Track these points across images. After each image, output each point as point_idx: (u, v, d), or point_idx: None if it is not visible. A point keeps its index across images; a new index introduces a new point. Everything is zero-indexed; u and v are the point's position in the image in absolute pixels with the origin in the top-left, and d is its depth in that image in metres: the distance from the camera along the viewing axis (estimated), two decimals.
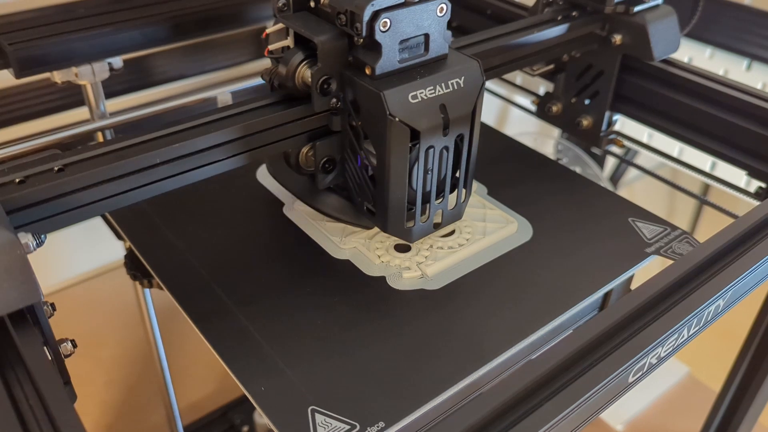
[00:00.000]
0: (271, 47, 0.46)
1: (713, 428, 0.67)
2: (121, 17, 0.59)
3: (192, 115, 0.43)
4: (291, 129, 0.45)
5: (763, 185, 0.58)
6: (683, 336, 0.38)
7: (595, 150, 1.07)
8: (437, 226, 0.49)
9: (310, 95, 0.44)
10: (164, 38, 0.61)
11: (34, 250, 0.36)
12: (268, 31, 0.46)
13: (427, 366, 0.42)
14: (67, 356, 0.39)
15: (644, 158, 1.22)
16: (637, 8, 0.60)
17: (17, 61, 0.53)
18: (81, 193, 0.38)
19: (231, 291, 0.47)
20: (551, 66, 0.68)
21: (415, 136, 0.43)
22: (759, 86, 0.97)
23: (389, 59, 0.42)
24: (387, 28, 0.41)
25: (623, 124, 0.69)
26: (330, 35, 0.42)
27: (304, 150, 0.47)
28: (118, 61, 0.59)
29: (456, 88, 0.44)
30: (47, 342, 0.36)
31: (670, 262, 0.42)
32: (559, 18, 0.60)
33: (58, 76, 0.56)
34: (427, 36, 0.43)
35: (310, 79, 0.43)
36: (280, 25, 0.45)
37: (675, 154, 0.67)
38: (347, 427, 0.38)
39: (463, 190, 0.49)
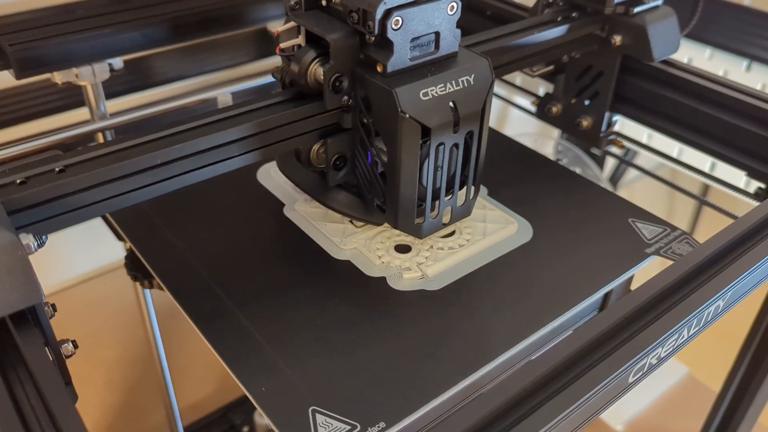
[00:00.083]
0: (282, 45, 0.46)
1: (713, 428, 0.67)
2: (122, 18, 0.59)
3: (201, 114, 0.43)
4: (303, 126, 0.45)
5: (762, 186, 0.58)
6: (683, 336, 0.38)
7: (595, 150, 1.07)
8: (446, 223, 0.50)
9: (321, 93, 0.44)
10: (164, 39, 0.61)
11: (36, 250, 0.36)
12: (279, 29, 0.46)
13: (428, 366, 0.42)
14: (68, 357, 0.39)
15: (644, 159, 1.22)
16: (636, 9, 0.60)
17: (18, 61, 0.53)
18: (82, 194, 0.38)
19: (231, 291, 0.47)
20: (551, 67, 0.68)
21: (425, 133, 0.43)
22: (759, 87, 0.97)
23: (401, 57, 0.43)
24: (399, 26, 0.42)
25: (623, 124, 0.69)
26: (342, 33, 0.43)
27: (315, 147, 0.47)
28: (118, 62, 0.59)
29: (466, 85, 0.44)
30: (48, 342, 0.37)
31: (670, 262, 0.42)
32: (559, 19, 0.60)
33: (58, 77, 0.57)
34: (437, 34, 0.44)
35: (322, 77, 0.44)
36: (291, 24, 0.45)
37: (674, 155, 0.68)
38: (348, 427, 0.38)
39: (472, 188, 0.49)
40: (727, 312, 0.42)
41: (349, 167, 0.49)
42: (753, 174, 0.58)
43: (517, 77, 0.86)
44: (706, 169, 0.66)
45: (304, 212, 0.54)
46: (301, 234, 0.53)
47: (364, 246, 0.51)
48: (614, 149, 0.70)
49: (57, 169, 0.38)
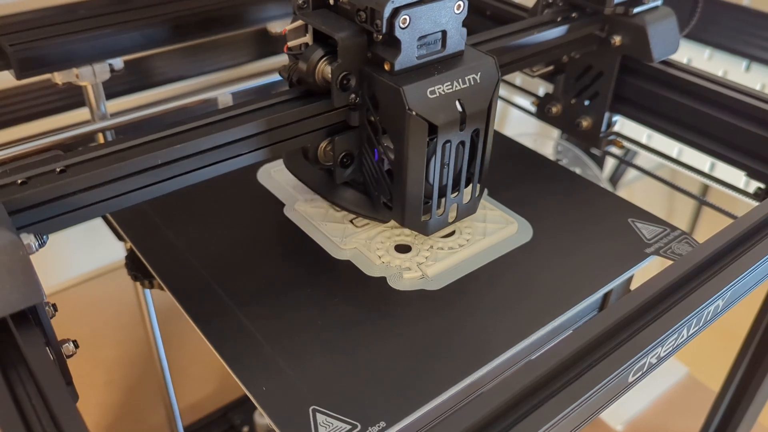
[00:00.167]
0: (290, 44, 0.46)
1: (712, 428, 0.67)
2: (122, 18, 0.59)
3: (207, 113, 0.43)
4: (311, 124, 0.46)
5: (762, 186, 0.58)
6: (683, 336, 0.38)
7: (595, 151, 1.07)
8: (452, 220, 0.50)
9: (329, 91, 0.45)
10: (165, 39, 0.61)
11: (36, 250, 0.36)
12: (287, 28, 0.46)
13: (428, 366, 0.42)
14: (68, 357, 0.39)
15: (643, 159, 1.22)
16: (636, 9, 0.60)
17: (18, 62, 0.53)
18: (83, 194, 0.38)
19: (232, 291, 0.47)
20: (551, 67, 0.68)
21: (432, 130, 0.44)
22: (758, 87, 0.97)
23: (408, 55, 0.43)
24: (406, 24, 0.42)
25: (622, 124, 0.69)
26: (350, 32, 0.43)
27: (323, 145, 0.48)
28: (118, 62, 0.59)
29: (473, 83, 0.45)
30: (49, 342, 0.37)
31: (670, 262, 0.42)
32: (559, 19, 0.60)
33: (58, 77, 0.57)
34: (444, 32, 0.44)
35: (330, 75, 0.44)
36: (299, 22, 0.46)
37: (674, 155, 0.68)
38: (348, 426, 0.38)
39: (478, 185, 0.50)
40: (727, 312, 0.42)
41: (356, 165, 0.49)
42: (752, 174, 0.58)
43: (517, 77, 0.87)
44: (706, 170, 0.66)
45: (305, 212, 0.54)
46: (301, 234, 0.53)
47: (364, 246, 0.51)
48: (614, 149, 0.70)
49: (58, 170, 0.38)
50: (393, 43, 0.43)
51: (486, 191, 0.58)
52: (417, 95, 0.43)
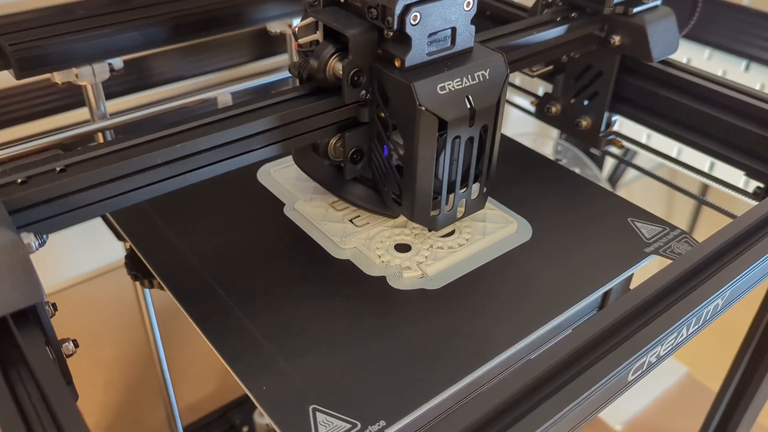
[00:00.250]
0: (300, 41, 0.47)
1: (712, 428, 0.67)
2: (122, 18, 0.59)
3: (211, 111, 0.44)
4: (321, 120, 0.46)
5: (761, 185, 0.59)
6: (682, 335, 0.38)
7: (594, 150, 1.07)
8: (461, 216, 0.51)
9: (339, 87, 0.45)
10: (164, 39, 0.61)
11: (37, 250, 0.36)
12: (298, 25, 0.47)
13: (428, 365, 0.42)
14: (68, 356, 0.39)
15: (643, 159, 1.23)
16: (635, 9, 0.60)
17: (18, 61, 0.53)
18: (83, 194, 0.38)
19: (232, 290, 0.47)
20: (550, 67, 0.68)
21: (442, 126, 0.44)
22: (757, 87, 0.97)
23: (418, 52, 0.43)
24: (417, 21, 0.42)
25: (622, 124, 0.69)
26: (361, 29, 0.44)
27: (333, 141, 0.48)
28: (118, 62, 0.59)
29: (482, 80, 0.45)
30: (49, 342, 0.37)
31: (669, 261, 0.42)
32: (558, 19, 0.60)
33: (58, 77, 0.57)
34: (454, 29, 0.45)
35: (340, 72, 0.44)
36: (310, 20, 0.46)
37: (674, 155, 0.68)
38: (348, 425, 0.38)
39: (486, 181, 0.50)
40: (726, 311, 0.42)
41: (366, 161, 0.50)
42: (752, 174, 0.58)
43: (517, 77, 0.87)
44: (705, 169, 0.66)
45: (304, 212, 0.54)
46: (301, 233, 0.53)
47: (364, 245, 0.51)
48: (613, 149, 0.70)
49: (58, 169, 0.38)
50: (404, 40, 0.43)
51: None
52: (427, 91, 0.43)
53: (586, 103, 0.67)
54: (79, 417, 0.29)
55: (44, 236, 0.37)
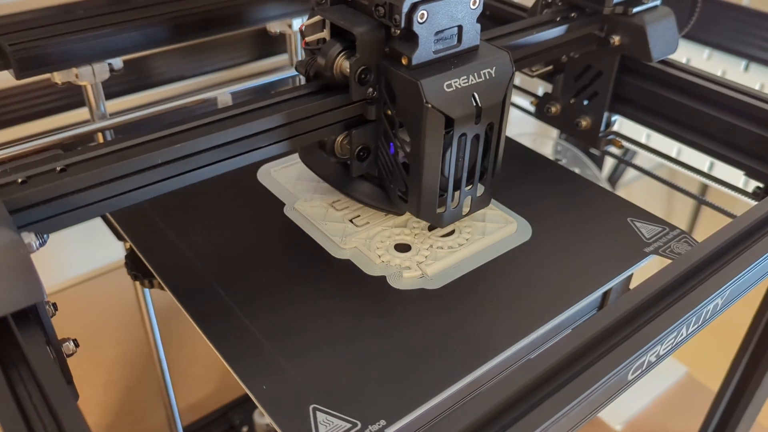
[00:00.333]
0: (307, 39, 0.47)
1: (711, 428, 0.67)
2: (122, 18, 0.59)
3: (214, 110, 0.44)
4: (329, 117, 0.46)
5: (760, 185, 0.59)
6: (682, 334, 0.38)
7: (594, 150, 1.08)
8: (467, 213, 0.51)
9: (346, 85, 0.46)
10: (164, 39, 0.61)
11: (37, 249, 0.36)
12: (305, 23, 0.47)
13: (428, 364, 0.42)
14: (69, 356, 0.39)
15: (643, 159, 1.23)
16: (635, 9, 0.60)
17: (18, 61, 0.53)
18: (84, 193, 0.38)
19: (232, 290, 0.47)
20: (550, 67, 0.68)
21: (448, 124, 0.44)
22: (757, 87, 0.97)
23: (425, 50, 0.44)
24: (424, 19, 0.43)
25: (621, 124, 0.69)
26: (368, 27, 0.44)
27: (340, 138, 0.48)
28: (118, 62, 0.59)
29: (488, 78, 0.46)
30: (50, 341, 0.37)
31: (669, 261, 0.42)
32: (558, 19, 0.60)
33: (58, 77, 0.57)
34: (460, 27, 0.45)
35: (348, 70, 0.45)
36: (317, 18, 0.46)
37: (673, 155, 0.68)
38: (348, 425, 0.38)
39: (492, 178, 0.50)
40: (726, 311, 0.42)
41: (372, 158, 0.50)
42: (751, 173, 0.58)
43: (516, 77, 0.86)
44: (705, 169, 0.66)
45: (305, 212, 0.55)
46: (301, 233, 0.53)
47: (364, 245, 0.51)
48: (613, 149, 0.70)
49: (58, 169, 0.38)
50: (411, 38, 0.43)
51: None
52: (434, 89, 0.43)
53: (585, 103, 0.67)
54: (79, 416, 0.29)
55: (45, 236, 0.37)
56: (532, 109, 0.73)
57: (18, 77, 0.54)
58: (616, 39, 0.61)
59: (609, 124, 0.67)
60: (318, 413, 0.38)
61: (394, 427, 0.38)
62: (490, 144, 0.49)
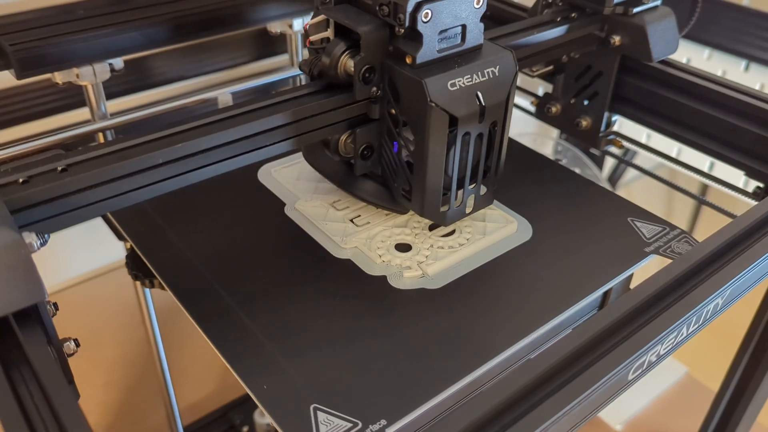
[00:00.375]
0: (312, 38, 0.48)
1: (711, 427, 0.67)
2: (122, 18, 0.59)
3: (225, 107, 0.44)
4: (333, 116, 0.47)
5: (761, 185, 0.59)
6: (682, 334, 0.38)
7: (594, 150, 1.08)
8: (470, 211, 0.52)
9: (350, 84, 0.46)
10: (165, 39, 0.61)
11: (38, 249, 0.36)
12: (309, 23, 0.48)
13: (428, 364, 0.42)
14: (70, 355, 0.39)
15: (643, 159, 1.23)
16: (635, 9, 0.60)
17: (18, 61, 0.53)
18: (85, 193, 0.38)
19: (233, 290, 0.47)
20: (550, 67, 0.68)
21: (452, 122, 0.45)
22: (757, 87, 0.98)
23: (429, 49, 0.44)
24: (428, 18, 0.43)
25: (622, 124, 0.69)
26: (372, 26, 0.44)
27: (344, 137, 0.49)
28: (118, 62, 0.59)
29: (491, 77, 0.46)
30: (51, 341, 0.37)
31: (669, 261, 0.42)
32: (559, 19, 0.60)
33: (59, 77, 0.57)
34: (464, 27, 0.45)
35: (352, 69, 0.45)
36: (321, 17, 0.47)
37: (673, 155, 0.68)
38: (349, 425, 0.38)
39: (495, 177, 0.51)
40: (726, 311, 0.42)
41: (376, 157, 0.50)
42: (751, 173, 0.58)
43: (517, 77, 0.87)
44: (705, 169, 0.67)
45: (305, 212, 0.55)
46: (302, 233, 0.53)
47: (364, 245, 0.51)
48: (613, 149, 0.70)
49: (59, 169, 0.38)
50: (415, 37, 0.44)
51: None
52: (438, 87, 0.43)
53: (586, 103, 0.67)
54: (81, 416, 0.29)
55: (46, 236, 0.37)
56: (532, 109, 0.73)
57: (19, 77, 0.54)
58: (616, 39, 0.61)
59: (609, 124, 0.68)
60: (319, 413, 0.38)
61: (394, 427, 0.38)
62: (494, 143, 0.49)
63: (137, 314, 0.76)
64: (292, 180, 0.59)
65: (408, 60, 0.44)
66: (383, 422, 0.38)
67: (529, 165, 0.63)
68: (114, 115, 0.62)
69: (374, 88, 0.46)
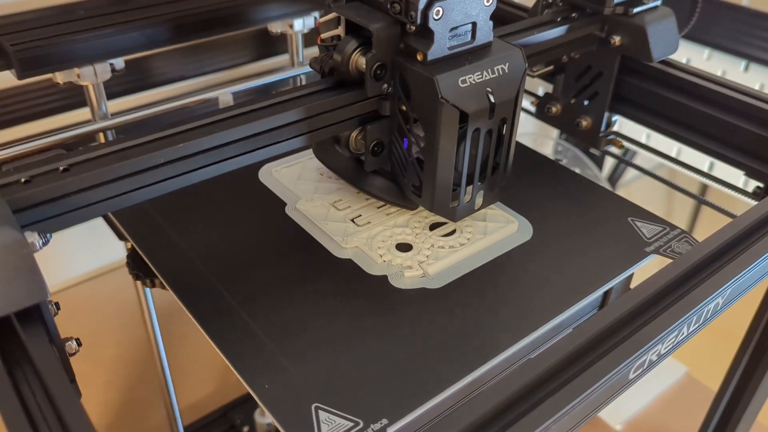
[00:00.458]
0: (323, 36, 0.48)
1: (711, 427, 0.67)
2: (123, 18, 0.59)
3: (233, 105, 0.44)
4: (344, 113, 0.47)
5: (760, 185, 0.59)
6: (683, 333, 0.38)
7: (594, 150, 1.08)
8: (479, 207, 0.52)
9: (361, 81, 0.46)
10: (166, 39, 0.61)
11: (40, 248, 0.36)
12: (320, 20, 0.48)
13: (429, 364, 0.42)
14: (71, 355, 0.39)
15: (643, 158, 1.23)
16: (636, 9, 0.60)
17: (19, 61, 0.53)
18: (87, 193, 0.38)
19: (234, 290, 0.47)
20: (551, 67, 0.68)
21: (463, 119, 0.45)
22: (757, 87, 0.98)
23: (440, 46, 0.44)
24: (439, 16, 0.43)
25: (622, 124, 0.69)
26: (384, 23, 0.45)
27: (354, 134, 0.49)
28: (119, 62, 0.59)
29: (501, 73, 0.46)
30: (53, 340, 0.37)
31: (669, 261, 0.43)
32: (559, 19, 0.60)
33: (60, 77, 0.57)
34: (474, 24, 0.46)
35: (364, 66, 0.45)
36: (332, 15, 0.47)
37: (673, 155, 0.68)
38: (351, 424, 0.38)
39: (504, 173, 0.51)
40: (726, 310, 0.42)
41: (386, 153, 0.50)
42: (751, 173, 0.58)
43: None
44: (705, 169, 0.67)
45: (306, 211, 0.55)
46: (302, 233, 0.53)
47: (365, 245, 0.51)
48: (613, 149, 0.70)
49: (61, 168, 0.38)
50: (426, 34, 0.44)
51: None
52: (449, 84, 0.44)
53: (586, 103, 0.67)
54: (83, 415, 0.29)
55: (48, 235, 0.37)
56: (532, 109, 0.73)
57: (20, 77, 0.54)
58: (616, 39, 0.61)
59: (609, 124, 0.68)
60: (320, 412, 0.38)
61: (395, 426, 0.38)
62: (503, 139, 0.49)
63: (138, 314, 0.76)
64: (292, 180, 0.59)
65: (419, 57, 0.44)
66: (384, 421, 0.38)
67: (529, 165, 0.63)
68: (115, 115, 0.62)
69: (385, 85, 0.47)
